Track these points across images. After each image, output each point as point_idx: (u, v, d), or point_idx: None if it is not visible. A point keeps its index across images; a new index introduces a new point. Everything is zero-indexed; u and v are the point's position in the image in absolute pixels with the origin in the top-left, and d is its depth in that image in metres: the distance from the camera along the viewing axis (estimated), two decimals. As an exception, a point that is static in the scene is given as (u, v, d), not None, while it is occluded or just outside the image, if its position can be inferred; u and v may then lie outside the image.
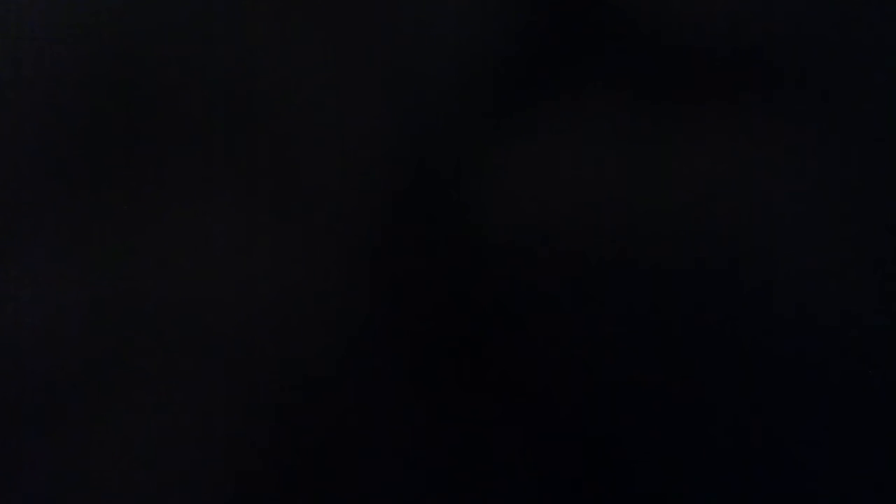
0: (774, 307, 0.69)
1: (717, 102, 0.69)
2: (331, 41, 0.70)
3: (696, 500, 0.69)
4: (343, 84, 0.69)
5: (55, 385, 0.68)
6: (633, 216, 0.69)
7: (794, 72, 0.70)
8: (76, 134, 0.69)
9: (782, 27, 0.70)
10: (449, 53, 0.70)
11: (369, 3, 0.70)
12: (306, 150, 0.69)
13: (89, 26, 0.69)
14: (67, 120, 0.69)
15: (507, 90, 0.70)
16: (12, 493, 0.68)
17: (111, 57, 0.69)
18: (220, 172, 0.69)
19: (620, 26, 0.70)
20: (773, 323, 0.69)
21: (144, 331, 0.68)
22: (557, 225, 0.69)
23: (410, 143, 0.69)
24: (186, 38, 0.69)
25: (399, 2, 0.70)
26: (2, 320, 0.68)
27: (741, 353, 0.69)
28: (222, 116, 0.69)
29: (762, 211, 0.69)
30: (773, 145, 0.70)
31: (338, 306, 0.69)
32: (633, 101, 0.69)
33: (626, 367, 0.69)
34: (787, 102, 0.70)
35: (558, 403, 0.69)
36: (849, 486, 0.69)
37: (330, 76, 0.69)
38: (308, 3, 0.70)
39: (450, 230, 0.69)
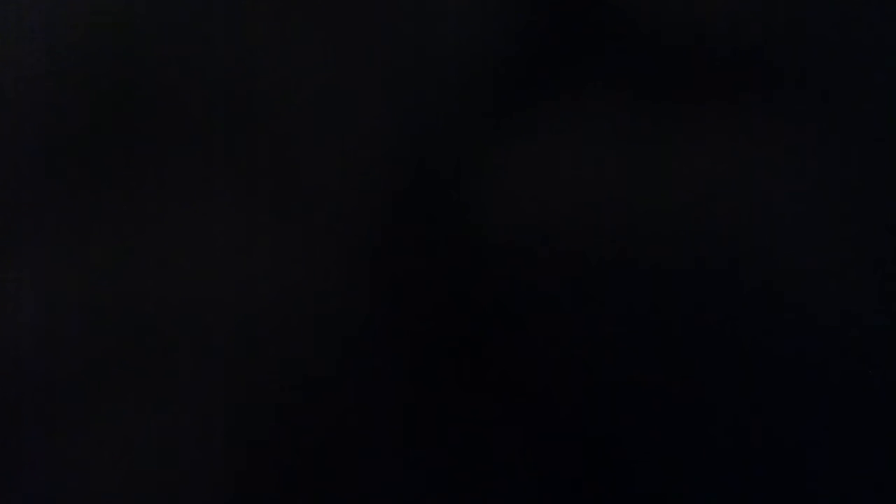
0: (774, 307, 0.69)
1: (717, 102, 0.69)
2: (331, 41, 0.70)
3: (696, 500, 0.69)
4: (343, 84, 0.69)
5: (55, 385, 0.68)
6: (633, 216, 0.69)
7: (794, 72, 0.70)
8: (76, 134, 0.69)
9: (782, 27, 0.70)
10: (449, 53, 0.70)
11: (369, 3, 0.70)
12: (306, 150, 0.69)
13: (89, 26, 0.69)
14: (67, 120, 0.69)
15: (507, 90, 0.70)
16: (12, 493, 0.68)
17: (111, 57, 0.69)
18: (220, 172, 0.69)
19: (620, 26, 0.70)
20: (773, 323, 0.69)
21: (144, 331, 0.68)
22: (557, 225, 0.69)
23: (410, 143, 0.69)
24: (186, 38, 0.69)
25: (399, 1, 0.70)
26: (2, 320, 0.68)
27: (741, 353, 0.69)
28: (222, 116, 0.69)
29: (762, 211, 0.69)
30: (773, 145, 0.70)
31: (338, 306, 0.69)
32: (633, 101, 0.69)
33: (626, 367, 0.69)
34: (787, 102, 0.70)
35: (558, 403, 0.69)
36: (849, 486, 0.69)
37: (330, 76, 0.69)
38: (308, 3, 0.70)
39: (450, 230, 0.69)
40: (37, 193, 0.69)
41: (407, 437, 0.69)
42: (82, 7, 0.69)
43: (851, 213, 0.69)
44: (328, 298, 0.69)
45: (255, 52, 0.69)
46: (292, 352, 0.69)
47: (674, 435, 0.69)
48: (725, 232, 0.69)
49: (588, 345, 0.69)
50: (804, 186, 0.70)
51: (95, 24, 0.69)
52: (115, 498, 0.68)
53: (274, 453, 0.68)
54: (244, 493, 0.68)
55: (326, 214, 0.69)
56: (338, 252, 0.69)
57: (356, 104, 0.69)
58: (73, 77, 0.69)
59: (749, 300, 0.69)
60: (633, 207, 0.69)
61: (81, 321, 0.68)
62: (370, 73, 0.69)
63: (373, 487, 0.68)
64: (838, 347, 0.69)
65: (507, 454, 0.69)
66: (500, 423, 0.69)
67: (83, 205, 0.69)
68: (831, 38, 0.70)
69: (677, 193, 0.69)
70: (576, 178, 0.69)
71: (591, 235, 0.69)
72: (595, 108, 0.70)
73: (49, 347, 0.68)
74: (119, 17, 0.69)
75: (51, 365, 0.68)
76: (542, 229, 0.69)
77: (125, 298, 0.68)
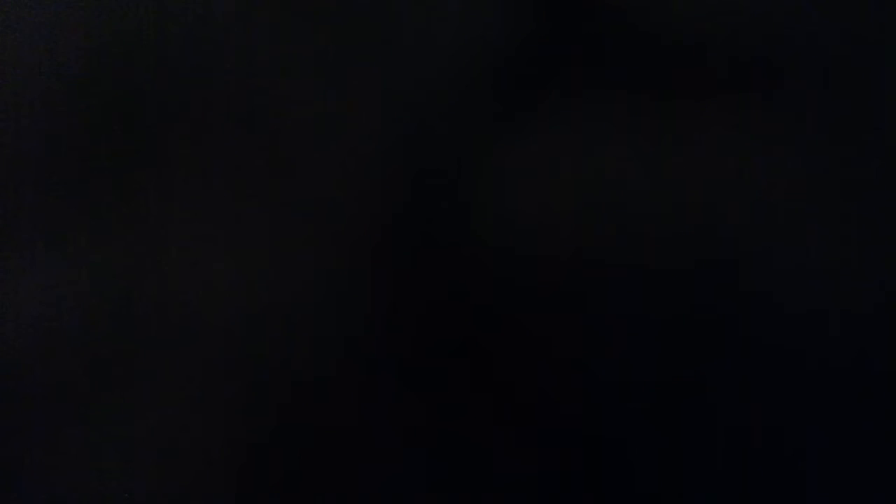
0: (774, 307, 0.69)
1: (717, 102, 0.69)
2: (331, 41, 0.70)
3: (696, 500, 0.69)
4: (343, 84, 0.69)
5: (55, 385, 0.68)
6: (633, 216, 0.69)
7: (794, 72, 0.70)
8: (76, 134, 0.69)
9: (782, 27, 0.70)
10: (449, 53, 0.70)
11: (370, 3, 0.70)
12: (306, 150, 0.69)
13: (89, 26, 0.69)
14: (67, 120, 0.69)
15: (508, 90, 0.70)
16: (12, 493, 0.68)
17: (111, 56, 0.69)
18: (220, 172, 0.69)
19: (620, 26, 0.70)
20: (773, 323, 0.69)
21: (144, 330, 0.68)
22: (557, 225, 0.69)
23: (411, 144, 0.69)
24: (187, 38, 0.69)
25: (400, 1, 0.70)
26: (2, 320, 0.68)
27: (741, 352, 0.69)
28: (222, 116, 0.69)
29: (762, 211, 0.69)
30: (773, 145, 0.70)
31: (338, 306, 0.69)
32: (634, 101, 0.69)
33: (626, 367, 0.69)
34: (787, 102, 0.70)
35: (558, 403, 0.69)
36: (849, 486, 0.69)
37: (330, 76, 0.69)
38: (308, 3, 0.70)
39: (450, 230, 0.69)
40: (37, 193, 0.69)
41: (407, 437, 0.68)
42: (83, 7, 0.69)
43: (851, 213, 0.69)
44: (328, 298, 0.69)
45: (255, 52, 0.69)
46: (292, 352, 0.69)
47: (674, 435, 0.69)
48: (725, 232, 0.69)
49: (588, 345, 0.69)
50: (804, 186, 0.69)
51: (95, 23, 0.69)
52: (115, 498, 0.68)
53: (274, 453, 0.68)
54: (244, 492, 0.68)
55: (326, 214, 0.69)
56: (338, 252, 0.69)
57: (356, 104, 0.69)
58: (74, 77, 0.69)
59: (749, 300, 0.69)
60: (633, 207, 0.69)
61: (81, 321, 0.68)
62: (370, 72, 0.69)
63: (373, 487, 0.68)
64: (838, 347, 0.69)
65: (506, 454, 0.68)
66: (500, 422, 0.69)
67: (83, 204, 0.69)
68: (831, 38, 0.70)
69: (677, 193, 0.69)
70: (576, 178, 0.69)
71: (591, 235, 0.69)
72: (595, 108, 0.69)
73: (49, 347, 0.68)
74: (119, 16, 0.69)
75: (51, 365, 0.68)
76: (542, 229, 0.69)
77: (125, 298, 0.68)
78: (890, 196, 0.69)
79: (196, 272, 0.69)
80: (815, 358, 0.69)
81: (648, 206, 0.69)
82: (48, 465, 0.68)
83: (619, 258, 0.69)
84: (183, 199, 0.69)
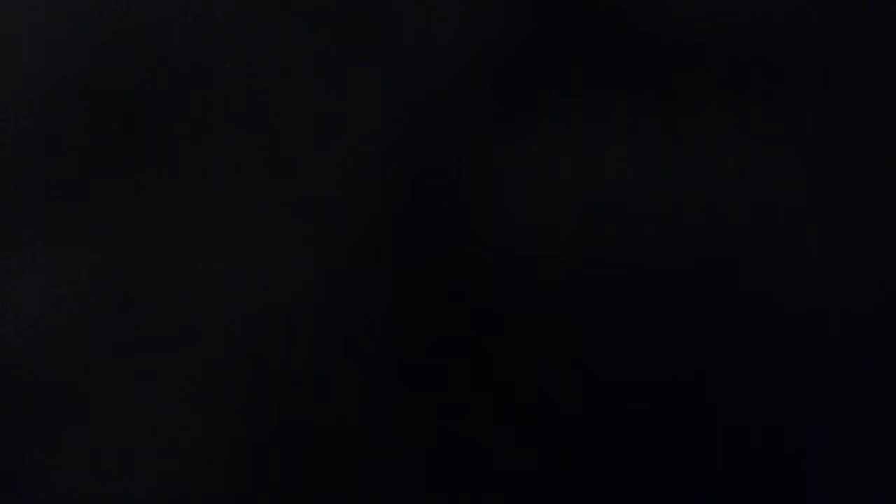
0: (774, 307, 0.69)
1: (717, 102, 0.69)
2: (331, 41, 0.70)
3: (696, 500, 0.69)
4: (343, 84, 0.69)
5: (55, 385, 0.68)
6: (633, 216, 0.69)
7: (794, 72, 0.70)
8: (76, 134, 0.69)
9: (782, 27, 0.70)
10: (449, 53, 0.70)
11: (370, 3, 0.70)
12: (306, 150, 0.69)
13: (89, 26, 0.69)
14: (67, 120, 0.69)
15: (508, 90, 0.70)
16: (12, 493, 0.68)
17: (111, 56, 0.69)
18: (220, 172, 0.69)
19: (620, 26, 0.70)
20: (773, 323, 0.69)
21: (144, 330, 0.68)
22: (557, 225, 0.69)
23: (411, 144, 0.69)
24: (187, 38, 0.69)
25: (399, 1, 0.70)
26: (2, 320, 0.68)
27: (741, 352, 0.69)
28: (222, 116, 0.69)
29: (762, 211, 0.69)
30: (773, 145, 0.70)
31: (338, 306, 0.69)
32: (634, 101, 0.69)
33: (626, 367, 0.69)
34: (787, 102, 0.70)
35: (558, 403, 0.69)
36: (849, 486, 0.69)
37: (330, 76, 0.69)
38: (308, 3, 0.70)
39: (450, 230, 0.69)
40: (37, 192, 0.69)
41: (407, 437, 0.69)
42: (83, 7, 0.69)
43: (851, 213, 0.69)
44: (328, 298, 0.69)
45: (255, 52, 0.69)
46: (292, 352, 0.69)
47: (674, 435, 0.69)
48: (725, 232, 0.69)
49: (588, 345, 0.69)
50: (804, 186, 0.70)
51: (95, 24, 0.69)
52: (115, 497, 0.68)
53: (274, 453, 0.68)
54: (244, 492, 0.68)
55: (326, 214, 0.69)
56: (338, 252, 0.69)
57: (357, 104, 0.69)
58: (74, 77, 0.69)
59: (749, 300, 0.69)
60: (633, 207, 0.69)
61: (81, 320, 0.68)
62: (371, 72, 0.69)
63: (373, 487, 0.68)
64: (838, 347, 0.69)
65: (506, 454, 0.69)
66: (500, 422, 0.69)
67: (84, 204, 0.69)
68: (831, 39, 0.70)
69: (677, 193, 0.69)
70: (576, 178, 0.69)
71: (591, 235, 0.69)
72: (595, 108, 0.70)
73: (49, 346, 0.68)
74: (119, 16, 0.69)
75: (51, 364, 0.68)
76: (542, 229, 0.69)
77: (125, 298, 0.68)
78: (890, 196, 0.69)
79: (196, 272, 0.69)
80: (815, 358, 0.69)
81: (648, 206, 0.69)
82: (48, 465, 0.68)
83: (619, 258, 0.69)
84: (183, 199, 0.69)
